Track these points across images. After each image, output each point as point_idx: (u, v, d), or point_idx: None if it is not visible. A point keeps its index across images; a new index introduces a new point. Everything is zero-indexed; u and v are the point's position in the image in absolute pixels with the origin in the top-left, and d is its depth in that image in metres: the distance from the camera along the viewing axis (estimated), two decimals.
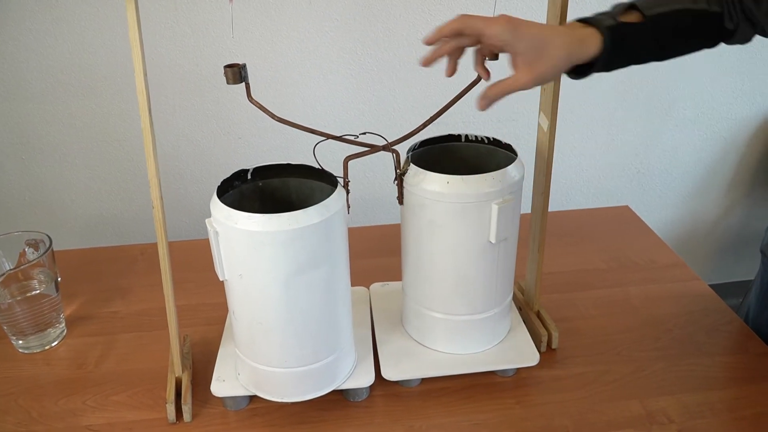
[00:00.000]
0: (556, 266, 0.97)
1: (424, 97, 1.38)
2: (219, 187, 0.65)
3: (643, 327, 0.84)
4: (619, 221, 1.11)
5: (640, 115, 1.49)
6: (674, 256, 1.00)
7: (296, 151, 1.39)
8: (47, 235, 0.81)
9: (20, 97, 1.27)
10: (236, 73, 0.59)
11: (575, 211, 1.14)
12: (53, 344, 0.83)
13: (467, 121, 1.42)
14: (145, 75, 0.59)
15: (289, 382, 0.67)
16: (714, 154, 1.57)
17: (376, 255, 1.00)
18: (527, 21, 0.57)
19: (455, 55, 0.62)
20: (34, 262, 0.78)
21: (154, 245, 1.08)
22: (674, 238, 1.67)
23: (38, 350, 0.82)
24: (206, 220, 0.63)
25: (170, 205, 1.42)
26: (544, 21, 0.66)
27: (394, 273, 0.90)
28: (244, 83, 0.60)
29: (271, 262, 0.59)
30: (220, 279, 0.64)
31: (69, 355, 0.81)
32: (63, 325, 0.85)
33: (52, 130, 1.31)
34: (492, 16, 0.58)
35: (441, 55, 0.61)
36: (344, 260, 0.66)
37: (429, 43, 0.60)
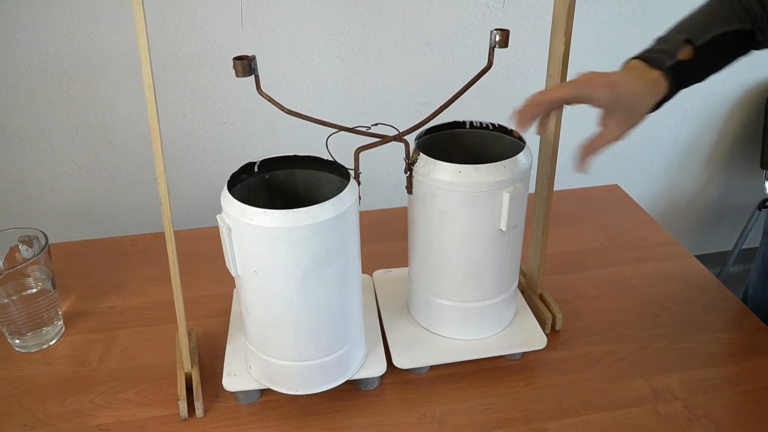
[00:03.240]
0: (552, 247, 0.98)
1: (411, 80, 1.37)
2: (228, 181, 0.63)
3: (642, 306, 0.86)
4: (610, 200, 1.12)
5: None
6: (665, 233, 1.02)
7: (283, 135, 1.38)
8: (42, 232, 0.79)
9: None
10: (246, 66, 0.57)
11: (566, 191, 1.15)
12: (51, 343, 0.81)
13: (454, 103, 1.41)
14: (151, 70, 0.57)
15: (304, 375, 0.67)
16: (693, 130, 1.60)
17: (375, 241, 1.00)
18: (621, 79, 0.61)
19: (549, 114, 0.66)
20: (33, 260, 0.76)
21: (146, 236, 1.07)
22: (655, 213, 1.70)
23: (35, 349, 0.80)
24: (217, 216, 0.61)
25: (156, 194, 1.39)
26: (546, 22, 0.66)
27: (395, 259, 0.90)
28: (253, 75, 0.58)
29: (288, 258, 0.59)
30: (233, 275, 0.63)
31: (70, 353, 0.80)
32: (61, 322, 0.83)
33: (29, 118, 1.26)
34: (591, 73, 0.60)
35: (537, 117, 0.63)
36: (357, 252, 0.65)
37: (537, 110, 0.61)
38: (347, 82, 1.35)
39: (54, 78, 1.23)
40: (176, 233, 1.05)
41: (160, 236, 1.04)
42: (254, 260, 0.60)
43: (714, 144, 1.64)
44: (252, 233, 0.58)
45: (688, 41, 0.64)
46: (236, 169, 0.65)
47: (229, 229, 0.60)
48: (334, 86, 1.35)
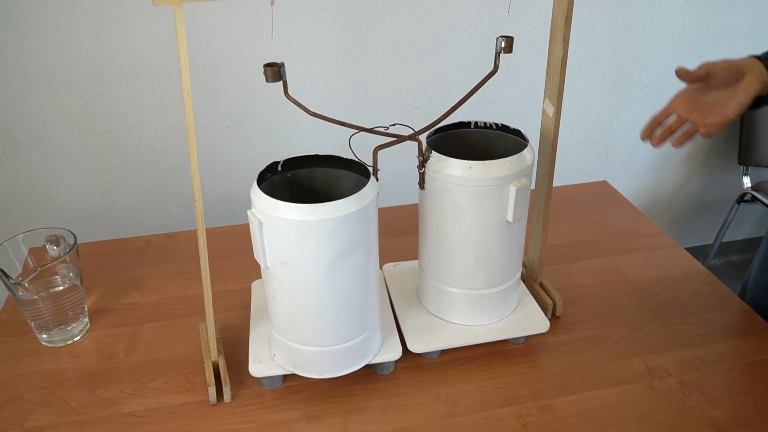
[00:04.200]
0: (549, 239, 1.03)
1: (406, 84, 1.42)
2: (257, 178, 0.68)
3: (635, 292, 0.92)
4: (600, 195, 1.19)
5: (606, 94, 1.57)
6: (653, 225, 1.08)
7: (284, 138, 1.42)
8: (70, 231, 0.83)
9: (3, 92, 1.25)
10: (275, 72, 0.62)
11: (559, 187, 1.21)
12: (76, 338, 0.85)
13: (447, 105, 1.47)
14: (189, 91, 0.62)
15: (327, 360, 0.72)
16: None
17: (382, 236, 1.05)
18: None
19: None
20: (63, 258, 0.80)
21: (159, 236, 1.11)
22: (639, 208, 1.77)
23: (61, 344, 0.84)
24: (248, 211, 0.66)
25: (160, 197, 1.43)
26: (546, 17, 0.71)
27: (402, 253, 0.95)
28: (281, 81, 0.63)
29: (317, 249, 0.63)
30: (262, 267, 0.68)
31: (97, 347, 0.84)
32: (87, 318, 0.87)
33: (37, 125, 1.30)
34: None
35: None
36: (376, 243, 0.70)
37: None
38: (344, 87, 1.40)
39: (61, 85, 1.27)
40: (184, 233, 1.10)
41: (172, 236, 1.08)
42: (284, 252, 0.65)
43: (692, 142, 1.71)
44: (283, 226, 0.63)
45: None
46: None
47: (260, 223, 0.65)
48: (332, 90, 1.40)
